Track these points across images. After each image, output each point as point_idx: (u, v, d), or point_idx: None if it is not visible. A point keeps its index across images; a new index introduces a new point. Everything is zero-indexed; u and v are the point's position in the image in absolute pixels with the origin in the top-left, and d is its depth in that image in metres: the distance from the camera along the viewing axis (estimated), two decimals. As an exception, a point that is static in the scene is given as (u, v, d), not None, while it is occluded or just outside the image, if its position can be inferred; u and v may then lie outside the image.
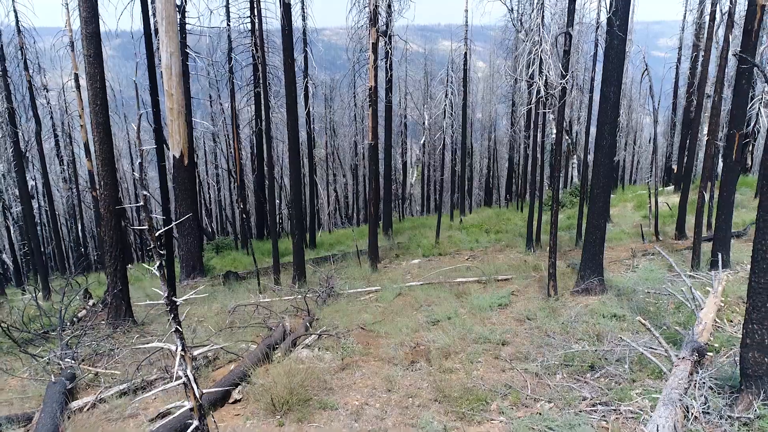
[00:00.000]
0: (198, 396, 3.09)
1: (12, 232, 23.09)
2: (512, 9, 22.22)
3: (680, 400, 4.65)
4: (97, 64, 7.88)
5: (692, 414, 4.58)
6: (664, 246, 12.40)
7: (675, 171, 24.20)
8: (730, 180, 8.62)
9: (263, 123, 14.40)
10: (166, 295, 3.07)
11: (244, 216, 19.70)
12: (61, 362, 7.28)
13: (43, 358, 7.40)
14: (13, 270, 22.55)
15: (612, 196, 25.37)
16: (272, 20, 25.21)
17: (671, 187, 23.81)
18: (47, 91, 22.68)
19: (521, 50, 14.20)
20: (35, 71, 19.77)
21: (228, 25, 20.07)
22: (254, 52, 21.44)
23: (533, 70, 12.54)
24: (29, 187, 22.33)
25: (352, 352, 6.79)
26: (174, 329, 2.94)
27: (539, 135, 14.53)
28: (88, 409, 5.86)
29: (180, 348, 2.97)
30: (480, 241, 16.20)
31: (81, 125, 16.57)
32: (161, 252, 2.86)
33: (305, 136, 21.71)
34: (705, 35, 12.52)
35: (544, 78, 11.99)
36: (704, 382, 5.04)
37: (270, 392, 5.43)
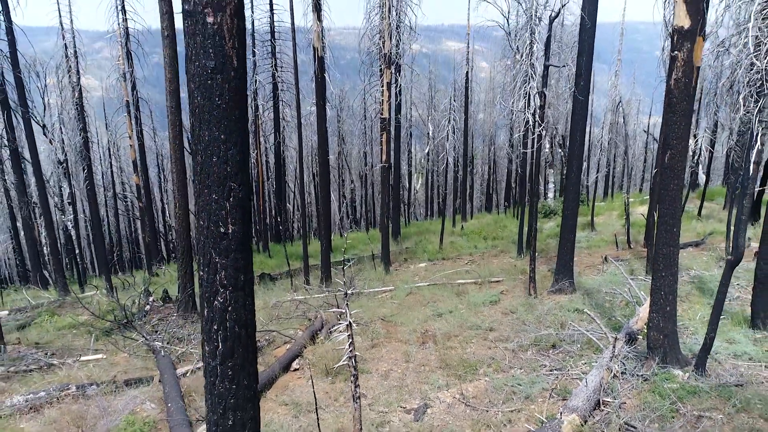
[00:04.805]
0: (352, 331, 5.13)
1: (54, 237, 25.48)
2: (509, 33, 24.37)
3: (607, 365, 6.84)
4: (177, 113, 10.13)
5: (613, 373, 6.77)
6: (633, 253, 14.55)
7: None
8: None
9: (297, 161, 16.52)
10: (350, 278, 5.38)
11: (267, 221, 21.90)
12: (150, 344, 9.52)
13: (137, 341, 9.65)
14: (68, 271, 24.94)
15: (601, 204, 27.55)
16: (282, 23, 26.89)
17: (656, 196, 25.78)
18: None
19: (514, 85, 16.34)
20: (77, 90, 22.10)
21: (253, 50, 22.36)
22: (273, 71, 23.89)
23: (523, 103, 14.77)
24: (68, 195, 24.81)
25: (378, 335, 9.03)
26: (345, 312, 4.95)
27: (531, 155, 16.65)
28: (188, 375, 8.09)
29: (347, 307, 5.01)
30: (478, 246, 18.36)
31: (130, 145, 18.88)
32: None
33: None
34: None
35: (533, 109, 14.23)
36: (627, 354, 7.23)
37: (323, 362, 7.67)
